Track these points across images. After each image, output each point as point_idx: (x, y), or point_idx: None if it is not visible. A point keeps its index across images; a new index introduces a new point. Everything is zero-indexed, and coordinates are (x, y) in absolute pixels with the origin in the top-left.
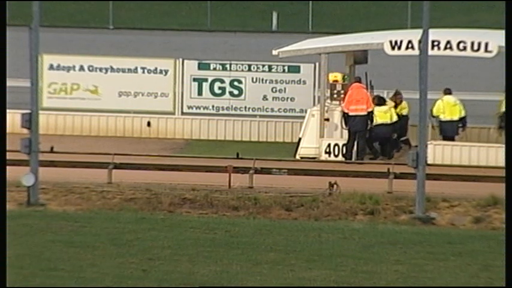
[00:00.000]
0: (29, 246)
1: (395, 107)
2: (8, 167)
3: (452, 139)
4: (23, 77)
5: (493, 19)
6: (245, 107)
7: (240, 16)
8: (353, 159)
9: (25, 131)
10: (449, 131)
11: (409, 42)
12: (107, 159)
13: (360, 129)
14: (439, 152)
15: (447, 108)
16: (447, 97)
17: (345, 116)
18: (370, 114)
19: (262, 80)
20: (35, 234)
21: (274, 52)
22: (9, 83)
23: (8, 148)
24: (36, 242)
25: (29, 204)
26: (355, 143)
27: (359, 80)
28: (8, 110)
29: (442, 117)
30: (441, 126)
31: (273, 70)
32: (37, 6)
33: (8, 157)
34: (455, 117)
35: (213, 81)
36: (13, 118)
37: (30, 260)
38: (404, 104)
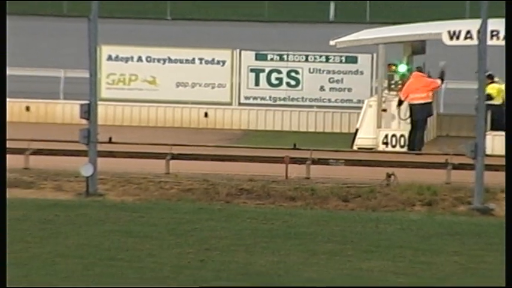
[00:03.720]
0: (88, 236)
1: None
2: (67, 157)
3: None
4: (82, 68)
5: None
6: (302, 98)
7: (297, 6)
8: (416, 149)
9: (84, 121)
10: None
11: (468, 32)
12: (164, 149)
13: (419, 117)
14: (498, 143)
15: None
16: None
17: (399, 104)
18: (431, 103)
19: (320, 70)
20: (93, 224)
21: (332, 42)
22: (69, 74)
23: (67, 139)
24: (95, 232)
25: (87, 194)
26: (417, 133)
27: (420, 69)
28: (67, 101)
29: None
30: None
31: (330, 60)
32: None
33: (67, 147)
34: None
35: (270, 71)
36: (72, 109)
37: (90, 250)
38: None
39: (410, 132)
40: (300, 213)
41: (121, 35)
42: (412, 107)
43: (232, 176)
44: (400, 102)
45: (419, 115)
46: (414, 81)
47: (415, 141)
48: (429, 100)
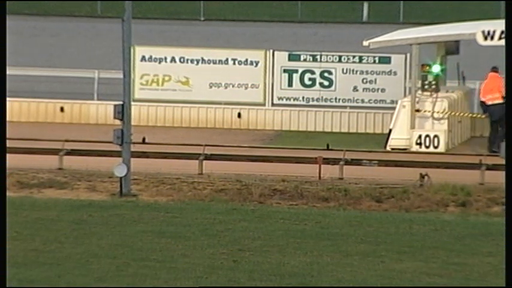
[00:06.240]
0: (122, 236)
1: None
2: (100, 158)
3: None
4: (116, 69)
5: None
6: (335, 98)
7: (330, 7)
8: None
9: (117, 122)
10: None
11: (502, 32)
12: (197, 150)
13: (497, 117)
14: None
15: None
16: None
17: (483, 106)
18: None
19: (353, 71)
20: (127, 225)
21: (365, 43)
22: (103, 74)
23: (101, 139)
24: (128, 232)
25: (121, 194)
26: (497, 134)
27: (496, 70)
28: (101, 102)
29: None
30: None
31: (363, 61)
32: None
33: (101, 148)
34: None
35: (303, 72)
36: (106, 109)
37: (123, 250)
38: None
39: (490, 134)
40: (332, 214)
41: (154, 35)
42: (491, 107)
43: (265, 176)
44: (484, 106)
45: (497, 114)
46: (489, 82)
47: (494, 142)
48: (501, 101)
